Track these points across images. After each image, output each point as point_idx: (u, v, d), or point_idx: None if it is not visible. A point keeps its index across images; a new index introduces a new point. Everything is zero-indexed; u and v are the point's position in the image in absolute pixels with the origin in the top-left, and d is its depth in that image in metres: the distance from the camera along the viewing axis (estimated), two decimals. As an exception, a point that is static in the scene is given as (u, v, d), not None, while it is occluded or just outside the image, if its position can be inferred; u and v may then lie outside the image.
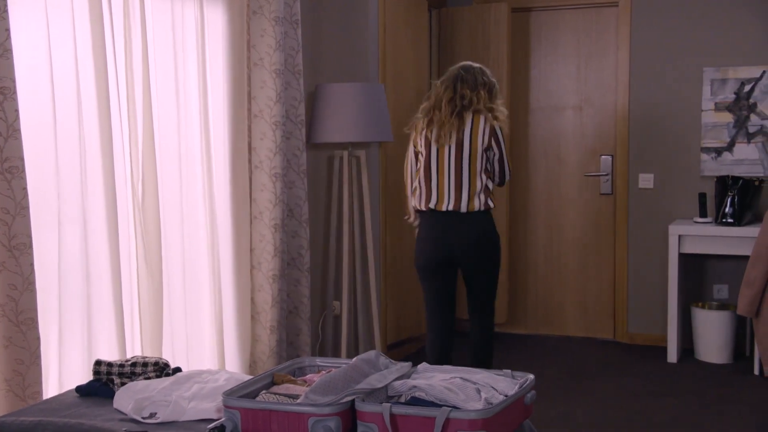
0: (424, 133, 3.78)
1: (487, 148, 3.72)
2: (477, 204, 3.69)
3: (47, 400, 2.50)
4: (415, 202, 3.84)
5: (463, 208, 3.69)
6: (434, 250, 3.76)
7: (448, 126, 3.70)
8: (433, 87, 3.88)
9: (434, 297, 3.85)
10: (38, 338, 2.61)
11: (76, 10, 2.87)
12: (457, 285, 3.93)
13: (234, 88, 3.69)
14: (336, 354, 4.58)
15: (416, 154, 3.83)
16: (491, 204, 3.76)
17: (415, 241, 3.89)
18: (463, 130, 3.69)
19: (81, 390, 2.53)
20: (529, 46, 5.98)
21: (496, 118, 3.75)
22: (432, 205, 3.73)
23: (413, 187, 3.86)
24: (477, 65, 3.89)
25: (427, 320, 3.92)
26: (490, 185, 3.77)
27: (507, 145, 3.82)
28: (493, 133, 3.71)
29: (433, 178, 3.73)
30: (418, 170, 3.82)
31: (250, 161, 3.82)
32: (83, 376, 2.88)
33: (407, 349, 5.40)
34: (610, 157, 5.78)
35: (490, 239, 3.77)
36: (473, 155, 3.69)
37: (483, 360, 3.87)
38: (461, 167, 3.69)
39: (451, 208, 3.69)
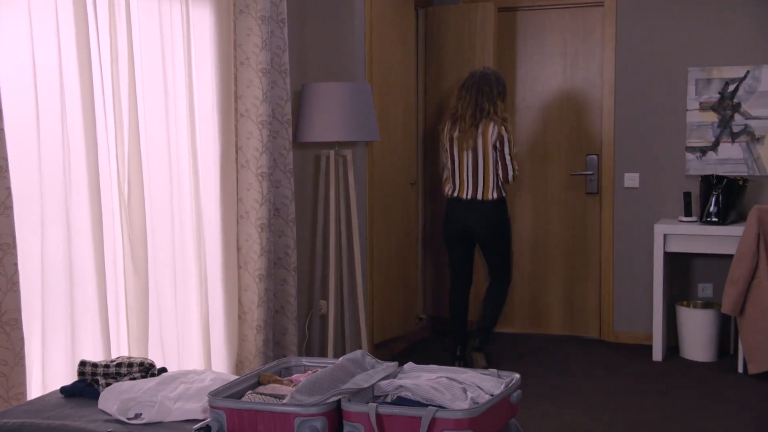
0: (449, 136, 4.86)
1: (494, 148, 4.73)
2: (490, 194, 4.77)
3: (31, 401, 2.48)
4: (445, 189, 4.96)
5: (479, 197, 4.78)
6: (456, 226, 4.90)
7: (469, 134, 4.76)
8: (456, 92, 4.92)
9: (456, 261, 5.04)
10: (22, 339, 2.59)
11: (60, 9, 2.85)
12: (474, 256, 5.08)
13: (220, 87, 3.68)
14: (323, 353, 4.57)
15: (445, 149, 4.92)
16: (503, 193, 4.83)
17: (443, 220, 5.02)
18: (479, 137, 4.74)
19: (65, 391, 2.52)
20: (515, 46, 5.99)
21: (505, 127, 4.73)
22: (456, 195, 4.86)
23: (445, 176, 4.98)
24: (491, 71, 4.87)
25: (451, 279, 5.12)
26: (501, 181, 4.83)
27: (513, 144, 4.79)
28: (499, 137, 4.73)
29: (456, 174, 4.85)
30: (445, 163, 4.94)
31: (236, 160, 3.81)
32: (68, 376, 2.86)
33: (394, 349, 5.40)
34: (595, 157, 5.81)
35: (500, 220, 4.84)
36: (486, 157, 4.75)
37: (492, 309, 4.94)
38: (477, 166, 4.77)
39: (470, 196, 4.80)
